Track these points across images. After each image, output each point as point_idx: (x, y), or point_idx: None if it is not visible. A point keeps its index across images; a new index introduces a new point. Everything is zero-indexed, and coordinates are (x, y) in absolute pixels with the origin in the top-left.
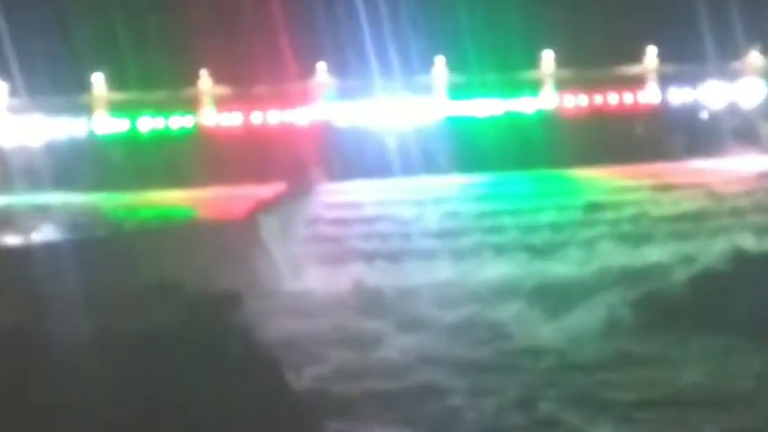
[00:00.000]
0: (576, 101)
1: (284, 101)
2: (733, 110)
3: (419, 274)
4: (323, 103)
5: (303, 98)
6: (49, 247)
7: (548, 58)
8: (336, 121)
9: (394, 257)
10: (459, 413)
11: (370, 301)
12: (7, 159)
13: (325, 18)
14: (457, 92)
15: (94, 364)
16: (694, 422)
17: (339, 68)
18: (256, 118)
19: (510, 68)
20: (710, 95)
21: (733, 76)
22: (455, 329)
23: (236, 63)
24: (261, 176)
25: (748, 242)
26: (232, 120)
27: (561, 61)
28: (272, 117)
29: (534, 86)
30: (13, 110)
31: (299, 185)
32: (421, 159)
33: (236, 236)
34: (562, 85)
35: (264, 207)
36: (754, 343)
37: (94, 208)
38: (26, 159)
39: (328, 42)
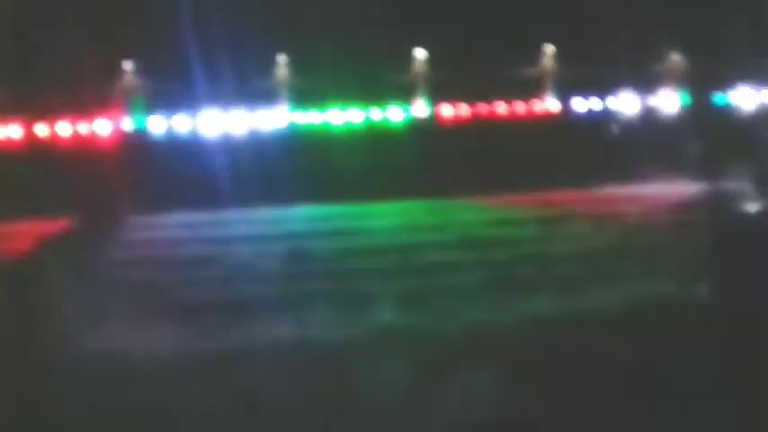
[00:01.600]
0: (456, 110)
1: (80, 110)
2: (649, 123)
3: (255, 332)
4: (132, 114)
5: (105, 107)
6: None
7: (420, 56)
8: (150, 137)
9: (224, 309)
10: None
11: (191, 367)
12: None
13: (135, 4)
14: (304, 100)
15: None
16: None
17: (153, 69)
18: (41, 130)
19: (372, 70)
20: (623, 105)
21: (650, 82)
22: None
23: (13, 60)
24: (49, 207)
25: (668, 289)
26: (7, 133)
27: (437, 62)
28: (63, 130)
29: (403, 92)
30: None
31: (100, 218)
32: (260, 186)
33: (9, 282)
34: (437, 91)
35: (52, 245)
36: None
37: None
38: None
39: (140, 36)
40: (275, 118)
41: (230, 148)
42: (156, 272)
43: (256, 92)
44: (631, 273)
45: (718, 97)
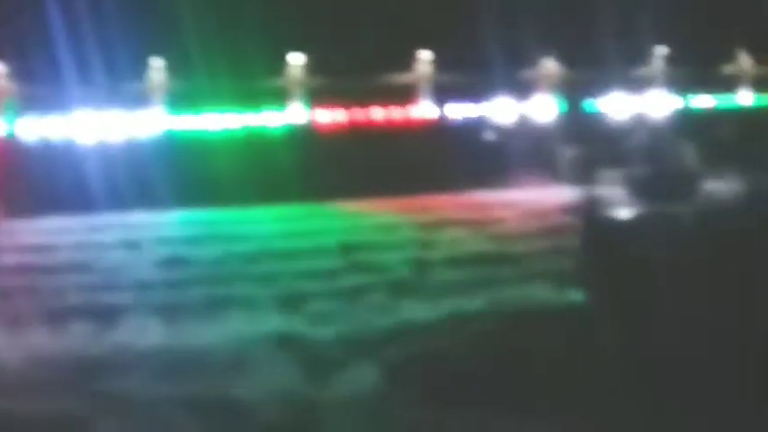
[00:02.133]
0: (332, 116)
1: None
2: (524, 129)
3: (128, 338)
4: (1, 117)
5: None
6: None
7: (296, 62)
8: (20, 140)
9: (97, 317)
10: None
11: (66, 375)
12: None
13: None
14: (179, 103)
15: None
16: None
17: (23, 71)
18: None
19: (250, 75)
20: (496, 112)
21: (525, 88)
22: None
23: None
24: None
25: (544, 294)
26: None
27: (314, 68)
28: None
29: (280, 97)
30: None
31: None
32: (135, 190)
33: None
34: (315, 96)
35: None
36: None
37: None
38: None
39: (8, 37)
40: (152, 122)
41: (105, 152)
42: (26, 278)
43: (132, 95)
44: (507, 277)
45: (591, 104)
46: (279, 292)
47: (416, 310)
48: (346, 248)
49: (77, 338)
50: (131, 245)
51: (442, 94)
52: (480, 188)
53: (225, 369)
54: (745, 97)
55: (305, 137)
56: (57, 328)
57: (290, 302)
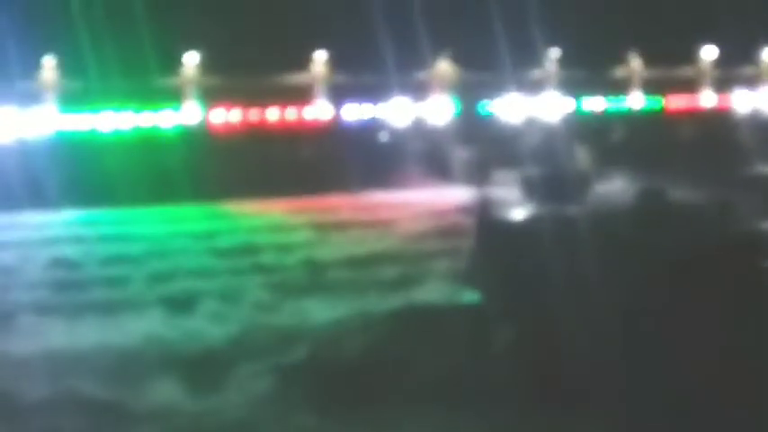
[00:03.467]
0: (227, 116)
1: None
2: (419, 130)
3: (17, 342)
4: None
5: None
6: None
7: (189, 62)
8: None
9: None
10: None
11: None
12: None
13: None
14: (72, 102)
15: None
16: None
17: None
18: None
19: (143, 73)
20: (392, 113)
21: (418, 89)
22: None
23: None
24: None
25: (438, 294)
26: None
27: (207, 66)
28: None
29: (174, 96)
30: None
31: None
32: (22, 188)
33: None
34: (209, 95)
35: None
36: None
37: None
38: None
39: None
40: (43, 121)
41: None
42: None
43: (23, 93)
44: (401, 278)
45: (485, 106)
46: (170, 292)
47: (312, 311)
48: (240, 249)
49: None
50: (18, 245)
51: (338, 94)
52: (376, 189)
53: (114, 371)
54: (636, 100)
55: (199, 137)
56: None
57: (185, 302)
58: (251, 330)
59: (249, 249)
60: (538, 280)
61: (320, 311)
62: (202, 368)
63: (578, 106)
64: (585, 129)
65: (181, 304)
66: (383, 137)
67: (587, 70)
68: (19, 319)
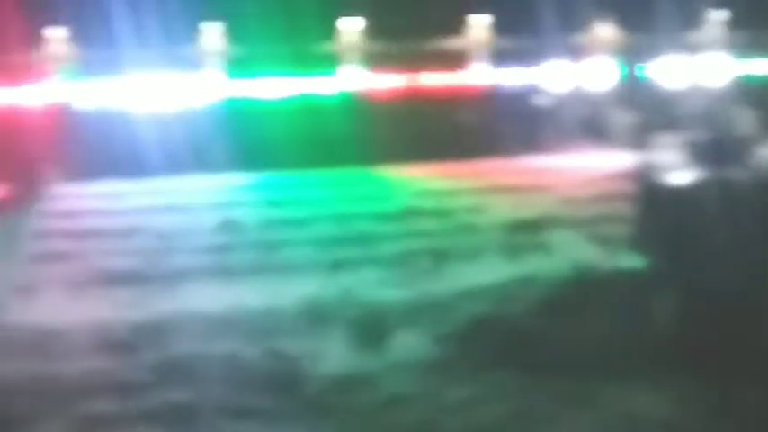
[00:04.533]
0: (388, 82)
1: (3, 77)
2: (578, 94)
3: (186, 301)
4: (57, 81)
5: (29, 74)
6: None
7: (352, 27)
8: (75, 104)
9: (152, 280)
10: None
11: (121, 337)
12: None
13: None
14: (237, 68)
15: None
16: None
17: (79, 35)
18: None
19: (306, 40)
20: (552, 77)
21: (576, 52)
22: (234, 373)
23: None
24: None
25: (599, 259)
26: None
27: (368, 33)
28: None
29: (336, 63)
30: None
31: (24, 188)
32: (189, 154)
33: None
34: (371, 61)
35: None
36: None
37: None
38: None
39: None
40: (208, 87)
41: (160, 116)
42: (81, 242)
43: (188, 59)
44: (564, 242)
45: (645, 69)
46: (335, 256)
47: (473, 276)
48: (401, 213)
49: (134, 300)
50: (186, 210)
51: (496, 59)
52: (535, 153)
53: (285, 331)
54: None
55: (359, 102)
56: (114, 291)
57: (349, 266)
58: (414, 295)
59: (409, 213)
60: (703, 246)
61: (482, 276)
62: (366, 332)
63: (742, 69)
64: (750, 92)
65: (343, 268)
66: (541, 101)
67: (753, 31)
68: (187, 281)
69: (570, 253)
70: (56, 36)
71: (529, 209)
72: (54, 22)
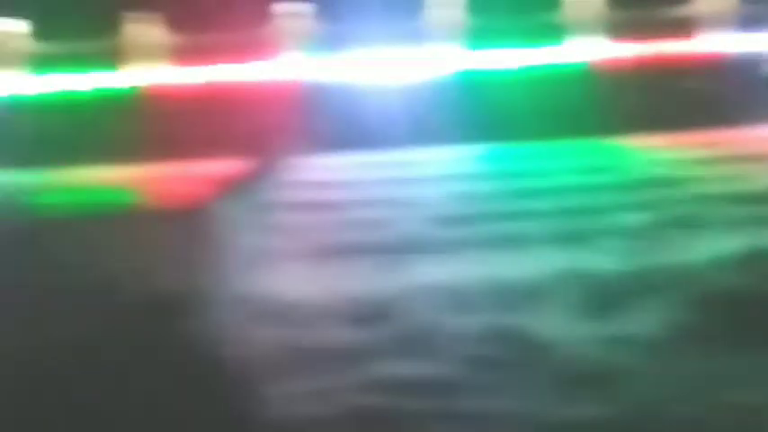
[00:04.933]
0: (624, 51)
1: (245, 52)
2: None
3: (421, 272)
4: (296, 55)
5: (270, 49)
6: None
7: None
8: (314, 78)
9: (389, 250)
10: None
11: (360, 307)
12: None
13: None
14: (476, 39)
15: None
16: None
17: (321, 9)
18: (212, 75)
19: (544, 10)
20: None
21: None
22: (473, 343)
23: (183, 3)
24: (215, 149)
25: None
26: (180, 77)
27: (607, 2)
28: (233, 73)
29: (572, 33)
30: None
31: (268, 161)
32: (426, 126)
33: (185, 226)
34: (607, 31)
35: (220, 189)
36: None
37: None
38: None
39: None
40: (448, 60)
41: (396, 89)
42: (320, 213)
43: (425, 31)
44: None
45: None
46: (567, 228)
47: (702, 246)
48: (628, 184)
49: (371, 271)
50: (422, 181)
51: (734, 25)
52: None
53: (520, 302)
54: None
55: (592, 72)
56: (351, 261)
57: (582, 238)
58: (643, 264)
59: (637, 184)
60: None
61: (710, 246)
62: (599, 300)
63: None
64: None
65: (575, 239)
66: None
67: None
68: (423, 252)
69: None
70: (296, 11)
71: (756, 180)
72: None
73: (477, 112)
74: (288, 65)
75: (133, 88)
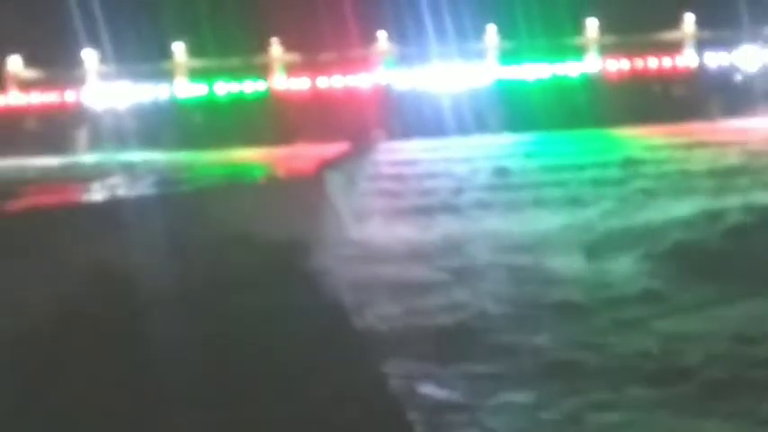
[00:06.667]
0: (618, 65)
1: (348, 67)
2: (766, 72)
3: (473, 225)
4: (383, 69)
5: (365, 64)
6: (137, 201)
7: (592, 25)
8: (395, 86)
9: (449, 210)
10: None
11: (430, 249)
12: (97, 121)
13: None
14: (507, 57)
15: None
16: None
17: (398, 36)
18: (322, 82)
19: (556, 35)
20: (744, 59)
21: (766, 40)
22: (510, 276)
23: (303, 32)
24: (327, 136)
25: None
26: (300, 84)
27: (604, 28)
28: (337, 82)
29: (579, 52)
30: (103, 76)
31: (362, 145)
32: (473, 120)
33: (305, 191)
34: (605, 50)
35: (330, 164)
36: None
37: (176, 165)
38: (114, 121)
39: (389, 11)
40: (488, 72)
41: (453, 93)
42: (399, 183)
43: (471, 51)
44: (753, 184)
45: None
46: (577, 194)
47: (675, 208)
48: (623, 162)
49: (437, 224)
50: (471, 160)
51: (702, 46)
52: (731, 117)
53: (542, 246)
54: None
55: (596, 81)
56: (423, 217)
57: (588, 202)
58: (629, 222)
59: (630, 162)
60: None
61: (682, 208)
62: (594, 249)
63: None
64: None
65: (580, 203)
66: (736, 78)
67: None
68: (468, 210)
69: (756, 193)
70: (380, 36)
71: (724, 159)
72: (380, 26)
73: (511, 110)
74: (377, 76)
75: (267, 92)
